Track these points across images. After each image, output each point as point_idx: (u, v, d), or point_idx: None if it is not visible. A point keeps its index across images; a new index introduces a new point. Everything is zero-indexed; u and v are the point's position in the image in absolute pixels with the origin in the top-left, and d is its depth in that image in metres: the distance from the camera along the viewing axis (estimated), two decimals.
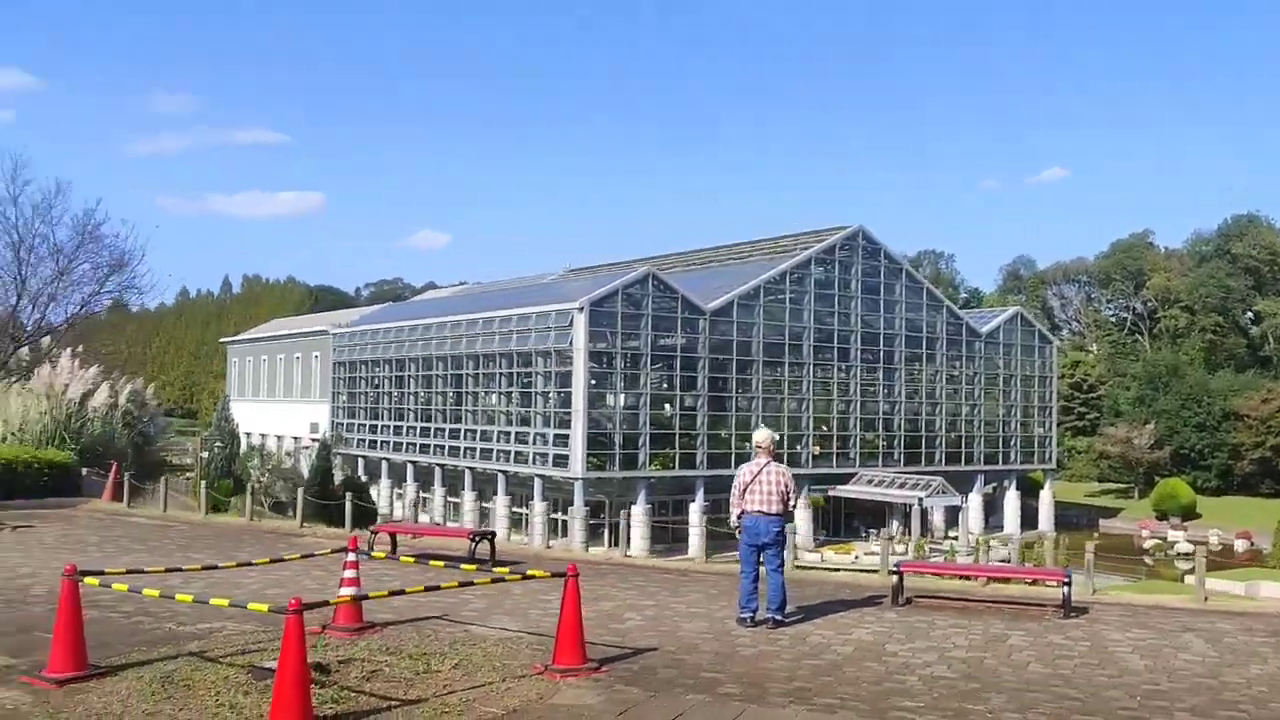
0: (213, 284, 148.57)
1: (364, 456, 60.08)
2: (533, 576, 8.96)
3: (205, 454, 42.48)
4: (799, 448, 52.55)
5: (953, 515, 54.77)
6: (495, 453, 51.07)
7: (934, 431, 58.44)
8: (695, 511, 46.90)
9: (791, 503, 9.92)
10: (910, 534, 50.25)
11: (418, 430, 56.83)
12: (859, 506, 54.84)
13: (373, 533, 15.40)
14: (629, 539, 34.34)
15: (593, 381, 47.35)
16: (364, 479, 53.44)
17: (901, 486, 52.66)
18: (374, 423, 60.72)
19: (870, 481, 53.76)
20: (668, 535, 45.26)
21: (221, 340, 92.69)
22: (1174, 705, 7.11)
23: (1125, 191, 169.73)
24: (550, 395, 48.23)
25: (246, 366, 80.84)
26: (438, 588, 8.04)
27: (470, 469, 52.49)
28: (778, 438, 11.18)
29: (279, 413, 70.38)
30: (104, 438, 26.73)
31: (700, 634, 9.30)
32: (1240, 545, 57.13)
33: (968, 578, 13.51)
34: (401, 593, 8.33)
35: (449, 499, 54.61)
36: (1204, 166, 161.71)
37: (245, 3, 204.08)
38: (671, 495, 49.19)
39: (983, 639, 9.33)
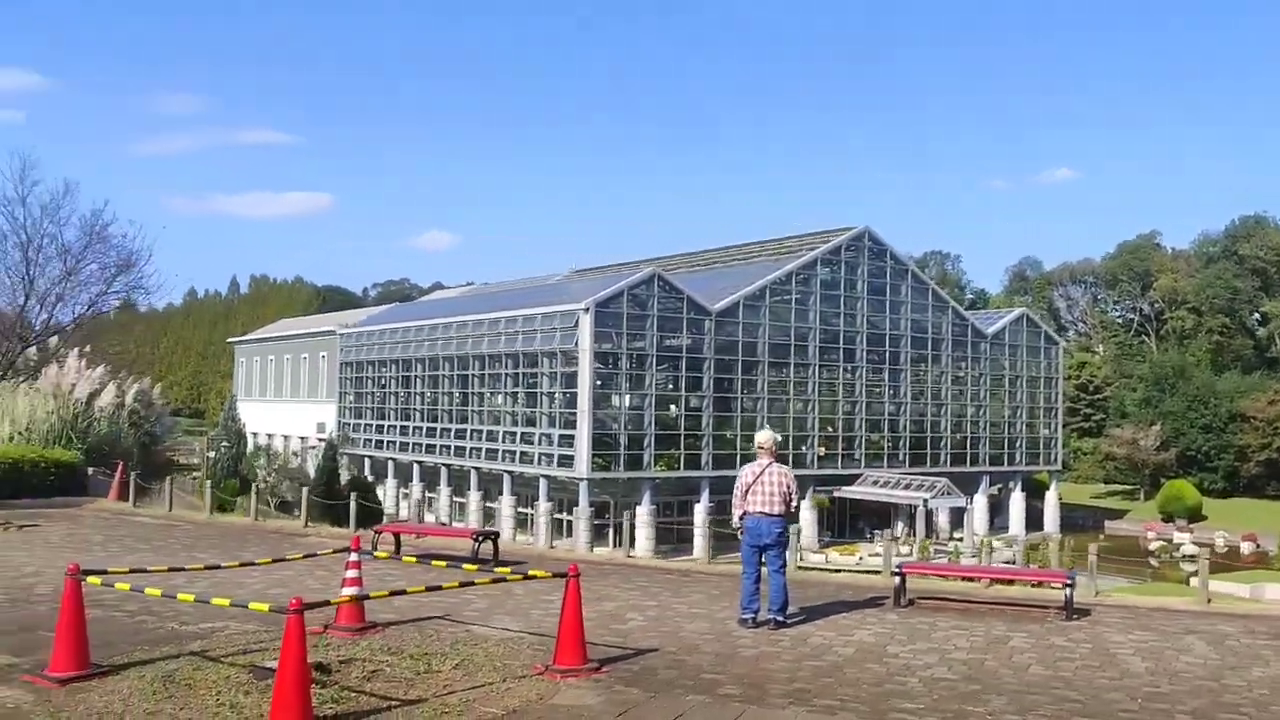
0: (221, 284, 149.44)
1: (370, 457, 60.17)
2: (534, 577, 8.98)
3: (212, 454, 42.59)
4: (804, 449, 52.52)
5: (958, 516, 54.66)
6: (501, 453, 51.11)
7: (939, 433, 58.34)
8: (700, 512, 46.88)
9: (794, 503, 9.93)
10: (915, 535, 50.22)
11: (424, 430, 56.90)
12: (864, 507, 54.77)
13: (376, 533, 15.42)
14: (633, 540, 34.31)
15: (598, 382, 47.37)
16: (370, 479, 53.54)
17: (907, 488, 52.59)
18: (380, 423, 60.79)
19: (875, 482, 53.71)
20: (672, 536, 45.23)
21: (229, 340, 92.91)
22: (1175, 708, 7.10)
23: (1132, 192, 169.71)
24: (556, 396, 48.25)
25: (254, 366, 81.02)
26: (439, 588, 8.07)
27: (476, 469, 52.54)
28: (780, 438, 11.18)
29: (286, 413, 70.51)
30: (110, 437, 26.77)
31: (701, 635, 9.31)
32: (1246, 547, 56.98)
33: (970, 579, 13.50)
34: (403, 593, 8.35)
35: (455, 499, 54.68)
36: (1211, 167, 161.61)
37: (245, 3, 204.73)
38: (676, 496, 49.18)
39: (984, 641, 9.32)
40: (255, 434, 58.03)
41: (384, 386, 61.56)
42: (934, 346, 58.49)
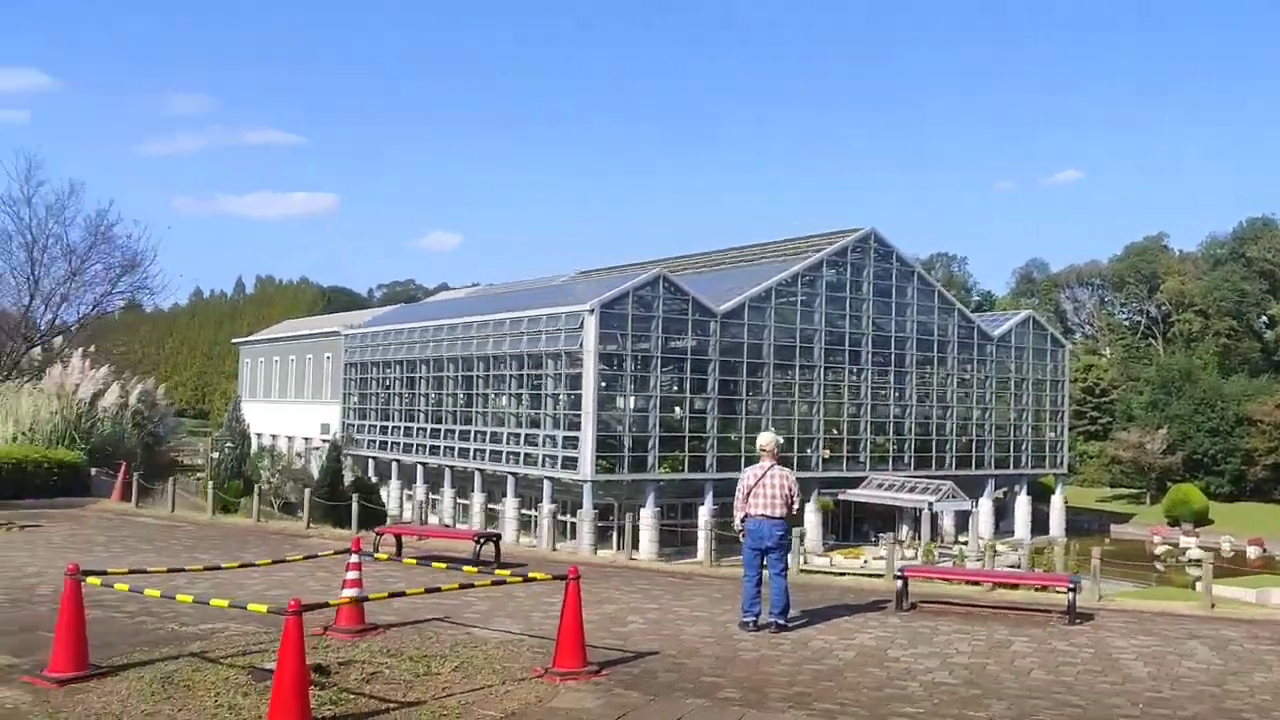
0: (226, 284, 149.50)
1: (374, 458, 60.20)
2: (534, 579, 8.96)
3: (216, 454, 42.67)
4: (809, 451, 52.44)
5: (963, 520, 54.52)
6: (505, 454, 51.12)
7: (945, 435, 58.22)
8: (704, 514, 46.81)
9: (796, 506, 9.91)
10: (920, 538, 50.10)
11: (428, 432, 56.93)
12: (869, 510, 54.66)
13: (377, 534, 15.40)
14: (636, 542, 34.28)
15: (603, 383, 47.35)
16: (374, 480, 53.57)
17: (912, 490, 52.48)
18: (384, 424, 60.84)
19: (880, 485, 53.61)
20: (676, 538, 45.18)
21: (234, 341, 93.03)
22: (1176, 713, 7.07)
23: (1139, 194, 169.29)
24: (560, 397, 48.22)
25: (259, 367, 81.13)
26: (440, 590, 8.05)
27: (480, 471, 52.55)
28: (782, 441, 11.16)
29: (290, 413, 70.60)
30: (114, 438, 26.83)
31: (702, 638, 9.29)
32: (1253, 552, 56.73)
33: (973, 583, 13.46)
34: (403, 594, 8.36)
35: (458, 501, 54.70)
36: (1218, 169, 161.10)
37: (246, 3, 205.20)
38: (681, 498, 49.13)
39: (986, 645, 9.29)
40: (259, 435, 58.14)
41: (388, 387, 61.60)
42: (940, 348, 58.36)
